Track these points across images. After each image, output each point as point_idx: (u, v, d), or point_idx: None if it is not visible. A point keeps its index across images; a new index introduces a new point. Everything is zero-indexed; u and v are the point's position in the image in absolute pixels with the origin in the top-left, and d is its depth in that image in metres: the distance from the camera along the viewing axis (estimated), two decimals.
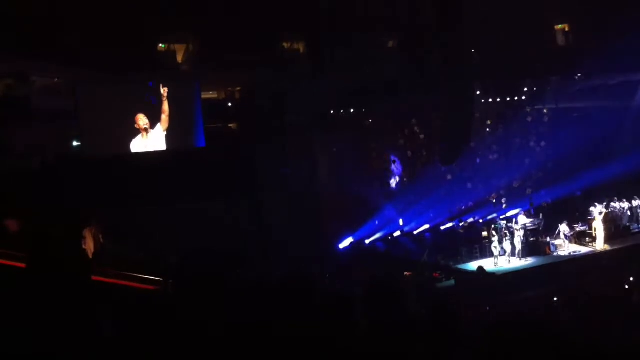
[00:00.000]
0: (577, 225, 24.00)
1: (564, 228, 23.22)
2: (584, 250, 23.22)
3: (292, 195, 23.10)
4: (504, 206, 25.80)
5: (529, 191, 25.83)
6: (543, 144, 26.55)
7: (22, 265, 7.98)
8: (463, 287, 20.55)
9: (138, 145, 20.95)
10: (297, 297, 6.16)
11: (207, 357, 5.66)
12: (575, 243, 23.53)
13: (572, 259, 22.47)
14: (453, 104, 21.43)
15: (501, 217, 25.11)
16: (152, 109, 21.05)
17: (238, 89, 24.38)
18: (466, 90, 21.75)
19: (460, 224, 25.96)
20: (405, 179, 26.05)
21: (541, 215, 24.46)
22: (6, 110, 19.31)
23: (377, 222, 24.89)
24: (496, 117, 26.62)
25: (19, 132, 19.59)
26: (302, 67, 23.20)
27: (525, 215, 24.28)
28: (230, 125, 24.47)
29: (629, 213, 25.38)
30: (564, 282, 19.78)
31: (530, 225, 23.65)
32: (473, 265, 21.68)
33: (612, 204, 25.20)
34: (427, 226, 25.76)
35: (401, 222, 25.48)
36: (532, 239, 23.20)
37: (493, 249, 22.04)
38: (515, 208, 25.38)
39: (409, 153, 26.02)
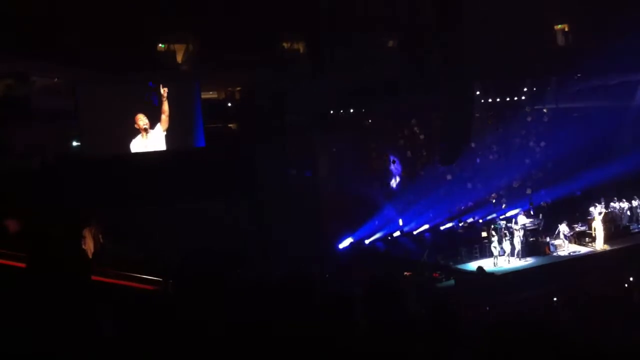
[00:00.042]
0: (576, 225, 23.99)
1: (563, 228, 23.22)
2: (583, 250, 23.22)
3: (292, 195, 23.09)
4: (503, 206, 25.80)
5: (529, 191, 25.83)
6: (543, 144, 26.56)
7: (22, 265, 7.97)
8: (463, 287, 20.55)
9: (138, 145, 20.95)
10: (297, 297, 6.16)
11: (207, 357, 5.66)
12: (575, 243, 23.53)
13: (572, 259, 22.46)
14: (453, 104, 21.45)
15: (501, 217, 25.11)
16: (152, 109, 21.05)
17: (238, 89, 24.39)
18: (466, 90, 21.78)
19: (460, 224, 25.97)
20: (405, 179, 26.04)
21: (541, 215, 24.45)
22: (6, 110, 19.32)
23: (376, 222, 24.88)
24: (496, 117, 26.63)
25: (19, 132, 19.59)
26: (302, 67, 23.20)
27: (524, 215, 24.28)
28: (230, 125, 24.48)
29: (628, 213, 25.38)
30: (563, 282, 19.77)
31: (529, 225, 23.64)
32: (473, 265, 21.67)
33: (612, 204, 25.21)
34: (426, 226, 25.77)
35: (401, 222, 25.49)
36: (531, 239, 23.19)
37: (493, 249, 22.03)
38: (515, 208, 25.38)
39: (409, 153, 26.01)
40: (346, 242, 24.31)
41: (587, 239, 23.64)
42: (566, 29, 26.73)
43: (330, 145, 24.48)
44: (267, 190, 22.62)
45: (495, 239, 22.12)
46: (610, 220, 24.38)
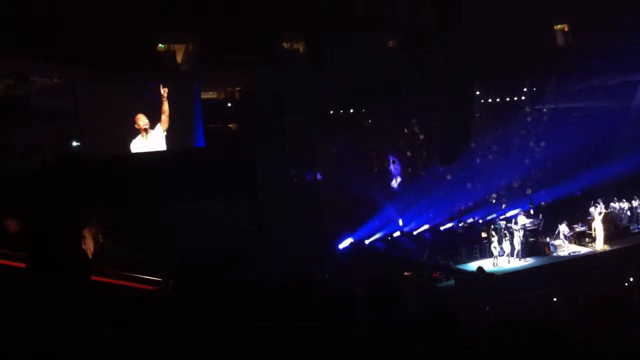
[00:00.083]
0: (576, 226, 23.98)
1: (563, 228, 23.21)
2: (583, 250, 23.21)
3: (292, 195, 23.09)
4: (503, 206, 25.80)
5: (529, 191, 25.83)
6: (543, 144, 26.56)
7: (22, 265, 7.97)
8: (463, 287, 20.55)
9: (138, 145, 20.95)
10: (297, 297, 6.16)
11: (207, 357, 5.66)
12: (575, 243, 23.52)
13: (572, 259, 22.45)
14: (453, 104, 21.45)
15: (501, 218, 25.11)
16: (152, 109, 21.04)
17: (238, 89, 24.38)
18: (466, 90, 21.77)
19: (460, 224, 25.97)
20: (404, 179, 26.04)
21: (541, 215, 24.44)
22: (6, 110, 19.31)
23: (376, 222, 24.88)
24: (496, 117, 26.62)
25: (19, 132, 19.58)
26: (302, 67, 23.20)
27: (524, 215, 24.27)
28: (230, 125, 24.47)
29: (628, 213, 25.38)
30: (563, 282, 19.76)
31: (529, 225, 23.64)
32: (473, 266, 21.67)
33: (612, 204, 25.21)
34: (426, 226, 25.78)
35: (401, 222, 25.49)
36: (531, 239, 23.18)
37: (493, 249, 22.03)
38: (515, 208, 25.38)
39: (409, 153, 26.00)
40: (346, 242, 24.31)
41: (587, 239, 23.63)
42: (566, 29, 26.74)
43: (330, 145, 24.46)
44: (267, 190, 22.62)
45: (495, 239, 22.11)
46: (610, 221, 24.38)
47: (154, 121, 21.05)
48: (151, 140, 21.05)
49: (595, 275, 20.04)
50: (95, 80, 21.08)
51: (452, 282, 21.40)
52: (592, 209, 24.21)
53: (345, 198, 23.84)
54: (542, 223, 24.01)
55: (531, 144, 26.72)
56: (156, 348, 5.55)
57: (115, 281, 10.62)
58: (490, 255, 22.12)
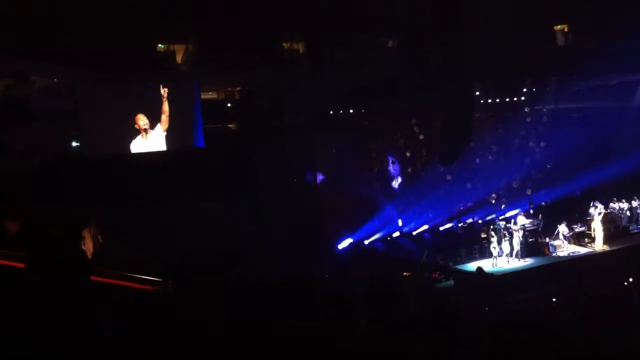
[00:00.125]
0: (576, 226, 23.98)
1: (563, 228, 23.21)
2: (583, 250, 23.22)
3: (292, 195, 23.10)
4: (503, 207, 25.81)
5: (528, 192, 25.84)
6: (542, 144, 26.57)
7: (22, 265, 7.97)
8: (462, 288, 20.55)
9: (138, 145, 20.94)
10: (297, 297, 6.16)
11: (207, 357, 5.66)
12: (574, 243, 23.52)
13: (571, 260, 22.46)
14: (453, 104, 21.44)
15: (500, 218, 25.12)
16: (152, 109, 21.04)
17: (238, 89, 24.37)
18: (466, 90, 21.76)
19: (460, 225, 25.98)
20: (404, 180, 26.04)
21: (540, 215, 24.45)
22: (6, 110, 19.31)
23: (376, 223, 24.88)
24: (496, 117, 26.63)
25: (19, 132, 19.58)
26: (302, 67, 23.19)
27: (524, 215, 24.27)
28: (230, 125, 24.46)
29: (628, 213, 25.38)
30: (563, 282, 19.76)
31: (529, 225, 23.63)
32: (472, 266, 21.67)
33: (611, 204, 25.21)
34: (426, 226, 25.78)
35: (400, 223, 25.49)
36: (531, 240, 23.18)
37: (492, 249, 22.03)
38: (515, 208, 25.39)
39: (408, 154, 26.00)
40: (345, 243, 24.30)
41: (586, 239, 23.64)
42: (566, 30, 26.75)
43: (330, 145, 24.47)
44: (267, 190, 22.61)
45: (494, 239, 22.12)
46: (609, 221, 24.39)
47: (154, 121, 21.04)
48: (151, 140, 21.05)
49: (595, 275, 20.04)
50: (95, 80, 21.07)
51: (451, 282, 21.40)
52: (591, 210, 24.22)
53: (345, 198, 23.85)
54: (541, 223, 24.01)
55: (531, 144, 26.74)
56: (156, 348, 5.56)
57: (115, 281, 10.62)
58: (490, 255, 22.13)
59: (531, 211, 24.98)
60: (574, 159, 24.71)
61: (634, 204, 25.56)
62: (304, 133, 23.44)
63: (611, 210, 25.01)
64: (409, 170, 26.06)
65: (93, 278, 9.03)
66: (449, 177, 25.49)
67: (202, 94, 22.43)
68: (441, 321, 5.96)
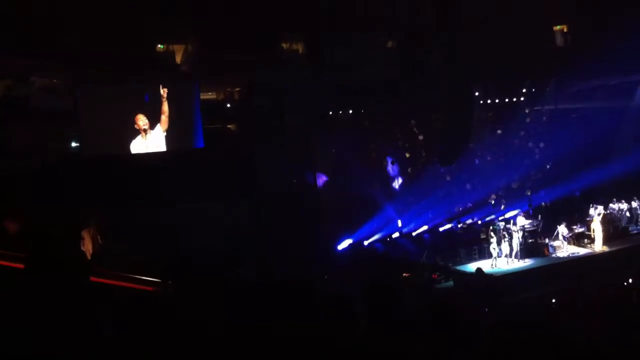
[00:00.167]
0: (575, 227, 23.98)
1: (562, 229, 23.22)
2: (582, 251, 23.20)
3: (292, 196, 23.10)
4: (502, 207, 25.80)
5: (528, 192, 25.83)
6: (542, 144, 26.56)
7: (22, 266, 7.97)
8: (462, 288, 20.53)
9: (138, 146, 20.94)
10: (297, 297, 6.17)
11: (207, 357, 5.67)
12: (574, 244, 23.51)
13: (571, 260, 22.45)
14: (453, 104, 21.44)
15: (500, 219, 25.10)
16: (152, 109, 21.04)
17: (237, 89, 24.37)
18: (466, 90, 21.76)
19: (459, 225, 25.97)
20: (403, 180, 26.04)
21: (540, 216, 24.44)
22: (6, 110, 19.32)
23: (376, 223, 24.86)
24: (495, 118, 26.63)
25: (19, 132, 19.58)
26: (301, 67, 23.18)
27: (523, 216, 24.26)
28: (229, 126, 24.45)
29: (627, 214, 25.38)
30: (562, 283, 19.75)
31: (528, 226, 23.62)
32: (472, 267, 21.66)
33: (611, 205, 25.22)
34: (425, 227, 25.77)
35: (400, 223, 25.48)
36: (530, 240, 23.16)
37: (492, 250, 22.02)
38: (514, 209, 25.38)
39: (407, 154, 25.99)
40: (345, 244, 24.29)
41: (586, 240, 23.63)
42: (565, 30, 26.75)
43: (330, 146, 24.47)
44: (267, 190, 22.62)
45: (494, 240, 22.11)
46: (609, 222, 24.39)
47: (153, 122, 21.04)
48: (151, 140, 21.05)
49: (594, 276, 20.02)
50: (95, 80, 21.06)
51: (451, 283, 21.39)
52: (591, 210, 24.23)
53: (345, 199, 23.84)
54: (541, 224, 24.01)
55: (530, 144, 26.73)
56: (156, 348, 5.56)
57: (114, 282, 10.62)
58: (489, 256, 22.11)
59: (530, 212, 24.97)
60: (573, 160, 24.71)
61: (634, 204, 25.57)
62: (304, 133, 23.44)
63: (611, 211, 25.02)
64: (409, 170, 26.05)
65: (93, 279, 9.04)
66: (448, 178, 25.49)
67: (201, 94, 22.43)
68: (441, 322, 5.97)
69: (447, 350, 5.75)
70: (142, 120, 20.93)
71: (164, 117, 21.07)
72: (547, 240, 23.22)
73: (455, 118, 21.54)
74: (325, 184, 24.37)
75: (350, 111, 24.89)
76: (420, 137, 25.78)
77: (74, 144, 21.45)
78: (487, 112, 26.40)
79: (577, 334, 10.24)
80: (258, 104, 23.33)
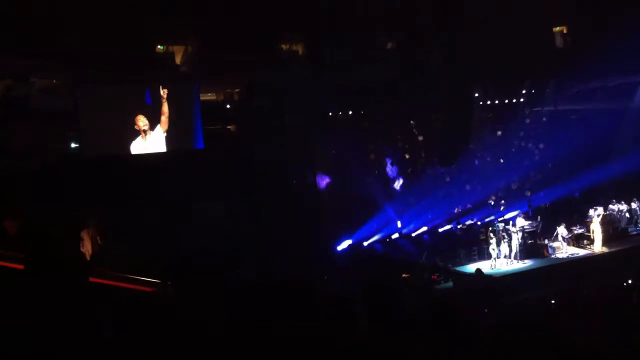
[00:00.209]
0: (575, 228, 24.00)
1: (561, 230, 23.23)
2: (582, 252, 23.22)
3: (292, 196, 23.10)
4: (502, 208, 25.80)
5: (528, 193, 25.83)
6: (541, 145, 26.57)
7: (22, 266, 7.97)
8: (461, 289, 20.54)
9: (138, 147, 20.92)
10: (297, 298, 6.18)
11: (207, 357, 5.67)
12: (573, 245, 23.53)
13: (570, 261, 22.46)
14: (453, 104, 21.45)
15: (499, 219, 25.10)
16: (152, 110, 21.03)
17: (237, 90, 24.36)
18: (466, 90, 21.77)
19: (459, 226, 25.96)
20: (403, 181, 26.04)
21: (539, 217, 24.45)
22: (6, 110, 19.30)
23: (375, 224, 24.85)
24: (495, 118, 26.63)
25: (19, 132, 19.57)
26: (301, 67, 23.18)
27: (523, 217, 24.28)
28: (229, 127, 24.44)
29: (627, 215, 25.41)
30: (562, 284, 19.76)
31: (528, 227, 23.64)
32: (471, 267, 21.66)
33: (611, 206, 25.23)
34: (425, 228, 25.76)
35: (399, 224, 25.48)
36: (530, 241, 23.18)
37: (491, 251, 22.04)
38: (514, 210, 25.39)
39: (407, 155, 25.98)
40: (344, 244, 24.28)
41: (585, 241, 23.65)
42: (564, 31, 26.77)
43: (330, 146, 24.46)
44: (267, 190, 22.61)
45: (493, 241, 22.13)
46: (608, 223, 24.41)
47: (153, 122, 21.03)
48: (151, 141, 21.03)
49: (594, 277, 20.04)
50: (95, 80, 21.04)
51: (450, 283, 21.39)
52: (590, 211, 24.24)
53: (345, 199, 23.84)
54: (540, 225, 24.02)
55: (530, 145, 26.74)
56: (156, 348, 5.57)
57: (114, 282, 10.62)
58: (489, 257, 22.14)
59: (530, 213, 24.98)
60: (573, 161, 24.72)
61: (633, 205, 25.60)
62: (304, 133, 23.43)
63: (610, 211, 25.04)
64: (409, 171, 26.05)
65: (92, 279, 9.04)
66: (448, 179, 25.49)
67: (201, 95, 22.41)
68: (440, 322, 5.98)
69: (447, 351, 5.76)
70: (142, 121, 20.91)
71: (164, 118, 21.06)
72: (546, 241, 23.23)
73: (455, 118, 21.56)
74: (329, 185, 24.37)
75: (350, 112, 24.88)
76: (420, 138, 25.77)
77: (74, 144, 21.42)
78: (487, 112, 26.41)
79: (577, 335, 10.24)
80: (258, 104, 23.32)
